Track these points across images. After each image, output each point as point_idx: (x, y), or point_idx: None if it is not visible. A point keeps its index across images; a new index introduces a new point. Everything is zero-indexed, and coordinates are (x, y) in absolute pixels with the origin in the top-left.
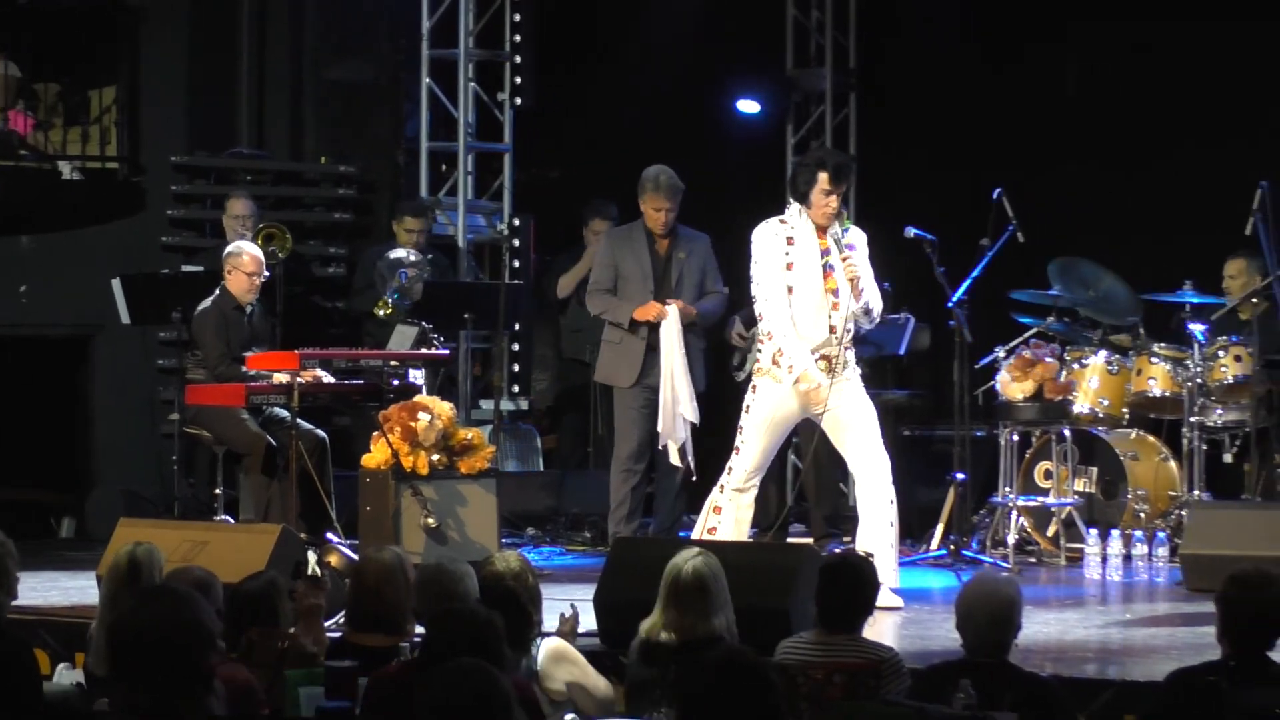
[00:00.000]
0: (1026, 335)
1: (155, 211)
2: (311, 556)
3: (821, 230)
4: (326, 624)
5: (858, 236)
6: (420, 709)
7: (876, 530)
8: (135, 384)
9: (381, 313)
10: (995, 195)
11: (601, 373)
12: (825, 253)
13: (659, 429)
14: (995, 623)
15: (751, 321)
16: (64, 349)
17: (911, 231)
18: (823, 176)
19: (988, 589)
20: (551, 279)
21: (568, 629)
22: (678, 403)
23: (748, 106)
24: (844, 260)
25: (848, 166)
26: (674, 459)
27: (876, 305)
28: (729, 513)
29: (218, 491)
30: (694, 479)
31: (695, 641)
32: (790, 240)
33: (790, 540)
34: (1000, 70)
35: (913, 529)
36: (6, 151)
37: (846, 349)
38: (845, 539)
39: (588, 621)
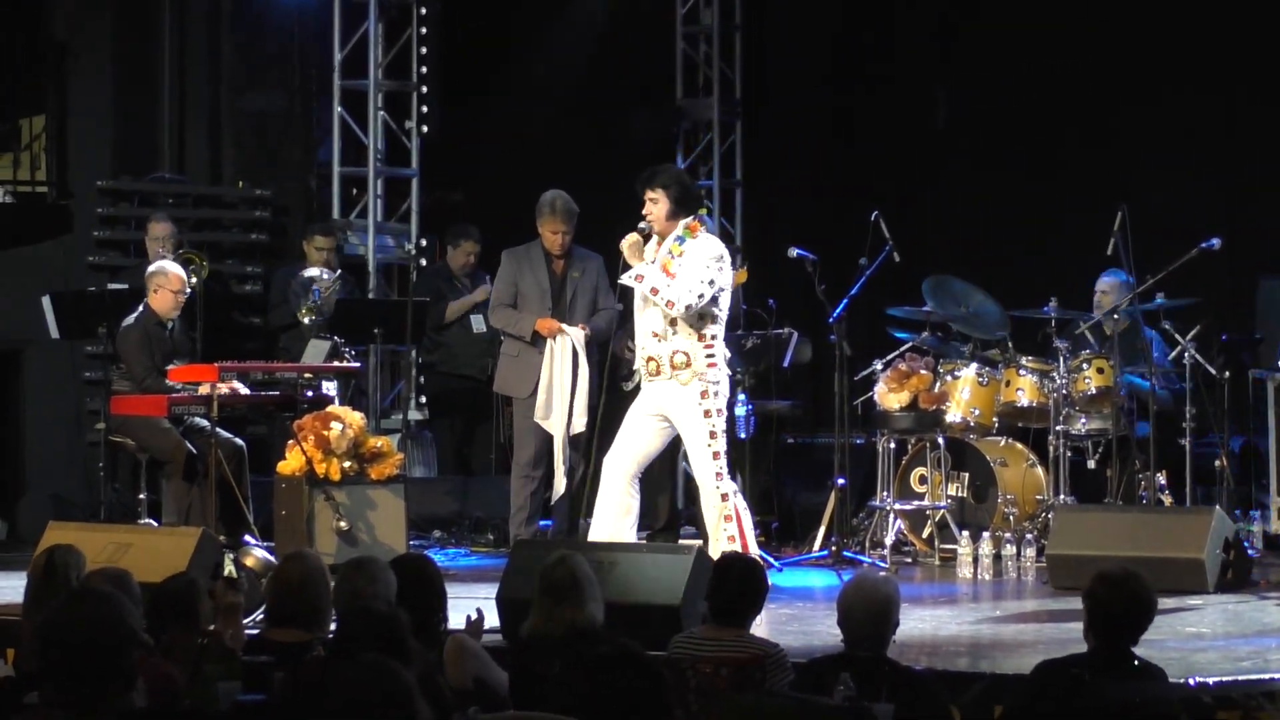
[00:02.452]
0: (902, 349)
1: (82, 233)
2: (228, 558)
3: (661, 240)
4: (244, 621)
5: (692, 246)
6: (328, 704)
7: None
8: (63, 395)
9: (307, 319)
10: (873, 217)
11: (500, 383)
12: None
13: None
14: (874, 619)
15: None
16: None
17: (794, 251)
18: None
19: (867, 587)
20: (436, 303)
21: (475, 629)
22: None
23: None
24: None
25: (648, 177)
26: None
27: (670, 296)
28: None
29: (141, 497)
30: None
31: (574, 633)
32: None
33: (681, 542)
34: (874, 101)
35: (796, 531)
36: None
37: (675, 352)
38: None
39: (491, 620)
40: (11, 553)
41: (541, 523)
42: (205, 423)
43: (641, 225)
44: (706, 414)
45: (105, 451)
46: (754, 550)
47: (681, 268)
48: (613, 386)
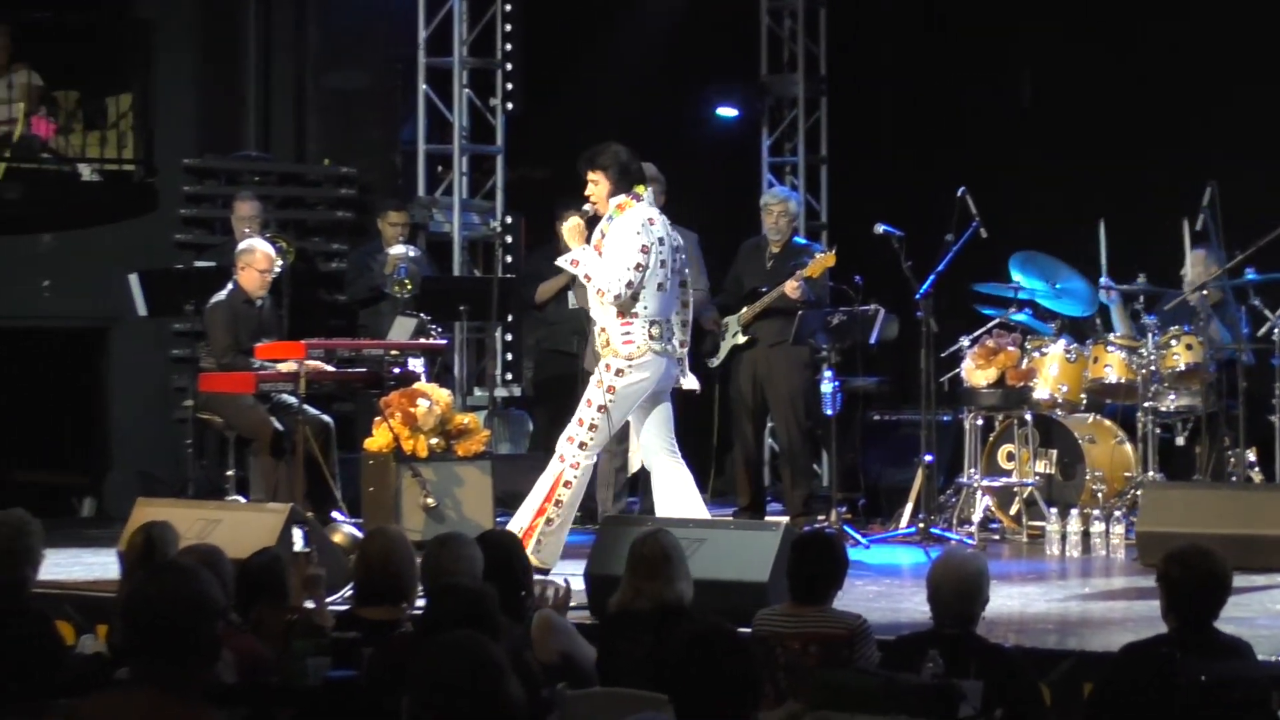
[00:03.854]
0: (989, 325)
1: (168, 211)
2: (297, 533)
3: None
4: (331, 598)
5: (616, 225)
6: (415, 680)
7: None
8: (150, 372)
9: (400, 294)
10: (959, 193)
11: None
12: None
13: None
14: (963, 595)
15: (726, 310)
16: (83, 340)
17: (880, 228)
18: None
19: (957, 563)
20: (530, 284)
21: (560, 602)
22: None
23: (726, 111)
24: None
25: (584, 157)
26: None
27: (599, 284)
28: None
29: (229, 473)
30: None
31: (663, 610)
32: None
33: (768, 518)
34: (960, 76)
35: (882, 508)
36: (30, 155)
37: (601, 329)
38: (820, 518)
39: (579, 595)
40: (99, 529)
41: (628, 499)
42: (292, 400)
43: (585, 208)
44: (599, 383)
45: (193, 428)
46: (547, 511)
47: (607, 249)
48: (700, 364)
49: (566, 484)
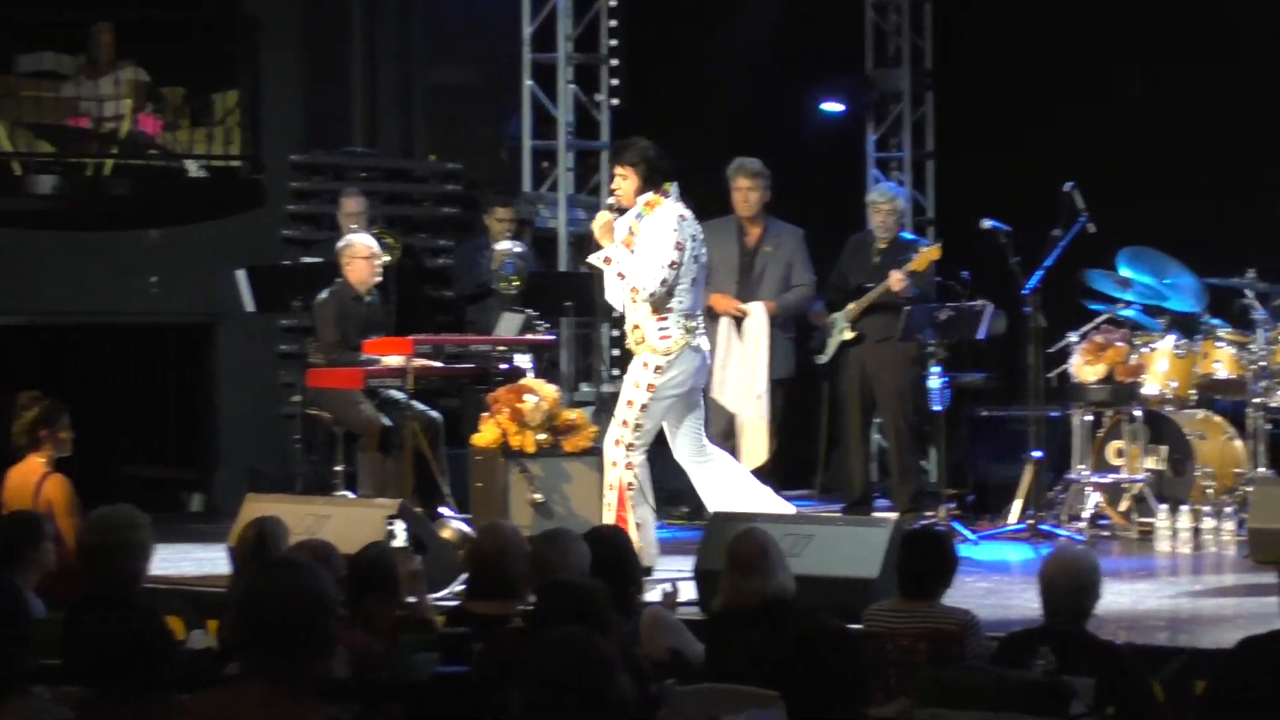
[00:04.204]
0: (1098, 321)
1: (275, 206)
2: (399, 527)
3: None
4: (439, 594)
5: (648, 222)
6: (525, 675)
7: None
8: (257, 368)
9: (509, 290)
10: (1067, 188)
11: None
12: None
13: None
14: (1076, 591)
15: (833, 306)
16: (191, 336)
17: (987, 223)
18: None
19: (1069, 559)
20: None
21: (669, 600)
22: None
23: (832, 106)
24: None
25: (617, 151)
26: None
27: (634, 283)
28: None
29: (337, 469)
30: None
31: (767, 605)
32: None
33: (876, 514)
34: (1068, 69)
35: (990, 504)
36: (137, 151)
37: (634, 326)
38: (929, 514)
39: (686, 592)
40: (208, 524)
41: None
42: (400, 395)
43: (610, 202)
44: (637, 384)
45: (301, 424)
46: (628, 521)
47: (640, 247)
48: (807, 360)
49: (630, 485)
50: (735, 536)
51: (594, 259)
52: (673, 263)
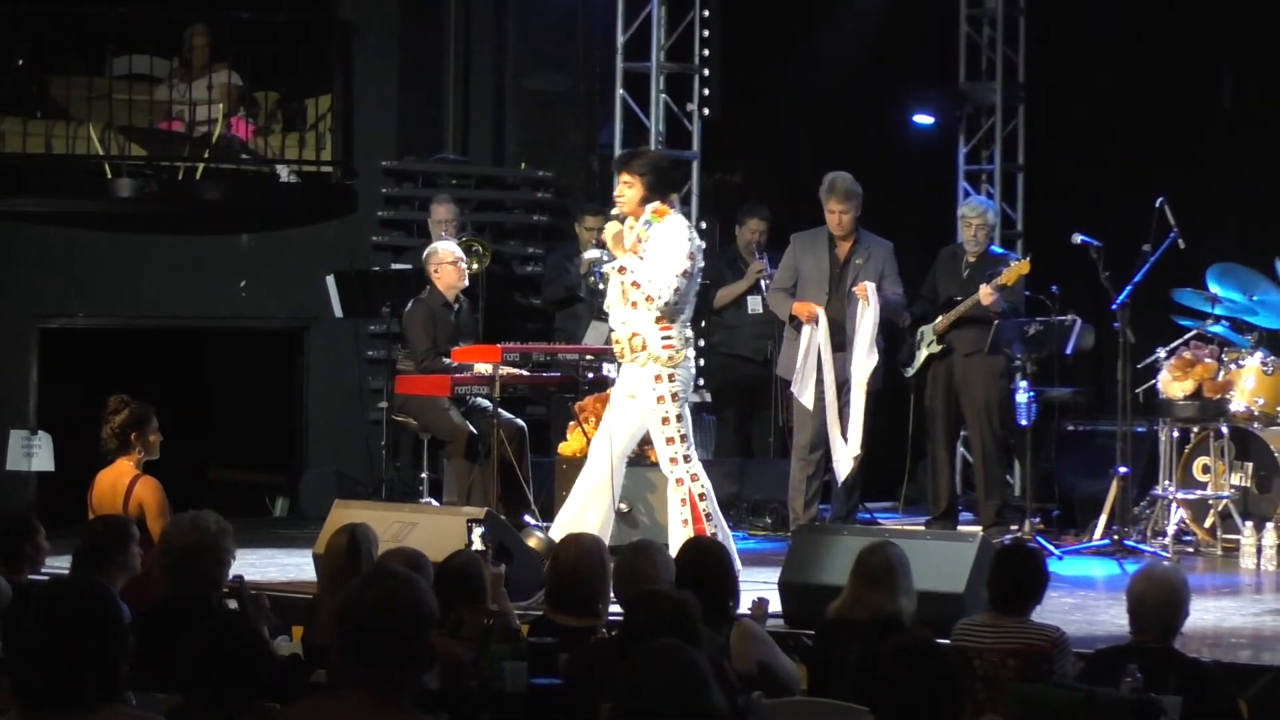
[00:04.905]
0: (1186, 337)
1: (366, 212)
2: (476, 533)
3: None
4: (525, 603)
5: (658, 230)
6: (621, 688)
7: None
8: (345, 373)
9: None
10: (1158, 203)
11: (781, 367)
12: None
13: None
14: (1166, 609)
15: (922, 318)
16: (280, 340)
17: (1078, 238)
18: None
19: (1158, 577)
20: (709, 289)
21: (759, 613)
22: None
23: (923, 118)
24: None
25: (620, 161)
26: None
27: (650, 290)
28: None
29: (423, 475)
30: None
31: (882, 621)
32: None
33: (961, 528)
34: (1158, 83)
35: (1076, 519)
36: (229, 155)
37: (633, 335)
38: (1013, 528)
39: (772, 604)
40: (293, 529)
41: (820, 506)
42: (487, 403)
43: (615, 212)
44: (660, 399)
45: (387, 430)
46: (706, 530)
47: (649, 255)
48: (893, 372)
49: (702, 497)
50: (869, 548)
51: (608, 268)
52: (685, 271)
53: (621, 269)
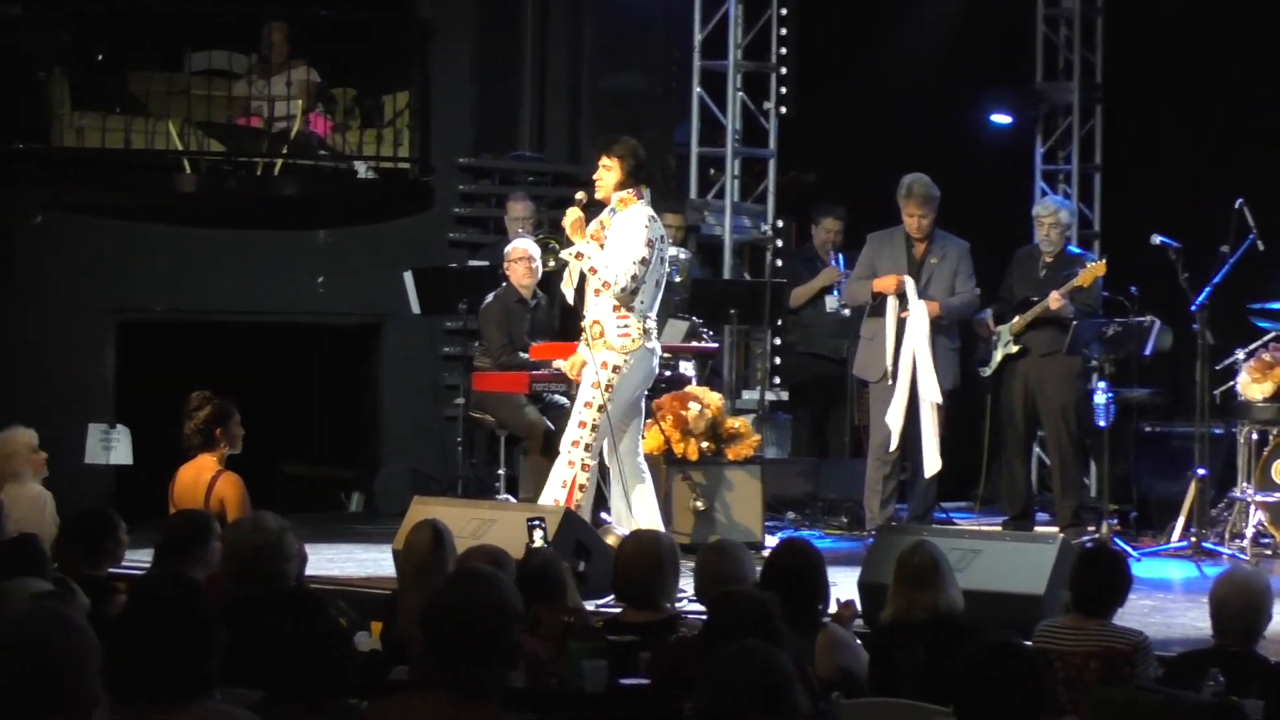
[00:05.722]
0: (1265, 339)
1: (443, 209)
2: (537, 534)
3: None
4: (601, 600)
5: (621, 219)
6: (705, 688)
7: (550, 480)
8: (421, 370)
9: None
10: (1237, 205)
11: (856, 366)
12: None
13: (889, 418)
14: (1249, 612)
15: (999, 319)
16: (356, 336)
17: (1157, 239)
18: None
19: (1241, 580)
20: (785, 287)
21: (847, 615)
22: (917, 393)
23: (1000, 118)
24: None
25: (598, 144)
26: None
27: (606, 276)
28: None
29: (499, 472)
30: (937, 469)
31: (937, 620)
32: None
33: (1038, 529)
34: (1237, 84)
35: (1153, 521)
36: (307, 152)
37: (593, 322)
38: (1090, 529)
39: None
40: (369, 525)
41: (896, 506)
42: (565, 400)
43: (579, 196)
44: (596, 384)
45: (463, 426)
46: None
47: (611, 241)
48: (969, 373)
49: (581, 487)
50: (907, 549)
51: (565, 254)
52: (643, 259)
53: (579, 255)
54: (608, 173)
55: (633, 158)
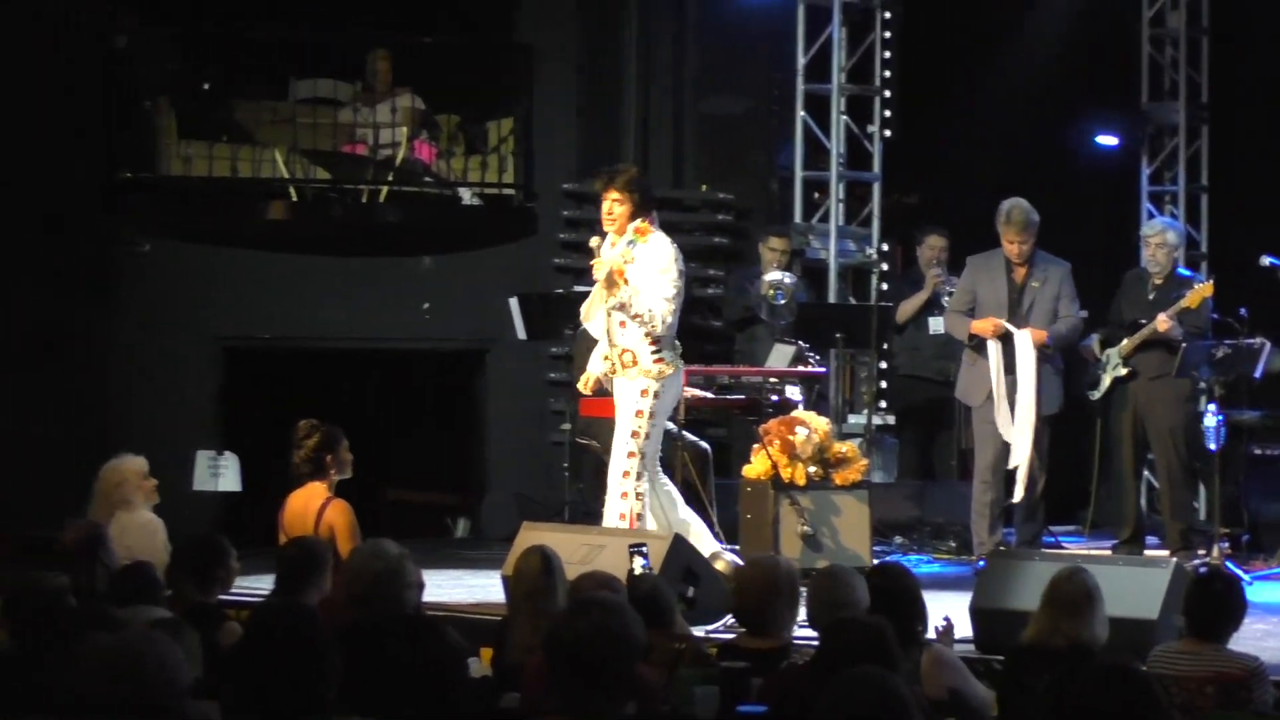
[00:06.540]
0: None
1: (547, 234)
2: (639, 560)
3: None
4: (712, 626)
5: (643, 251)
6: (823, 714)
7: (607, 514)
8: (527, 395)
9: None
10: None
11: (959, 390)
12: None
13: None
14: None
15: (1108, 341)
16: (461, 361)
17: (1266, 260)
18: (595, 184)
19: None
20: (891, 311)
21: (945, 636)
22: (1014, 421)
23: (1106, 139)
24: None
25: (610, 175)
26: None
27: (643, 309)
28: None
29: (605, 498)
30: (1035, 493)
31: (1075, 650)
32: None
33: (1148, 553)
34: None
35: (1264, 544)
36: (412, 178)
37: (623, 351)
38: (1200, 552)
39: (961, 629)
40: (476, 551)
41: (1004, 530)
42: (671, 426)
43: (594, 243)
44: (639, 412)
45: (569, 452)
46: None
47: (640, 278)
48: (1076, 395)
49: (639, 516)
50: (1063, 575)
51: (609, 305)
52: (678, 291)
53: (623, 305)
54: (619, 206)
55: (639, 187)
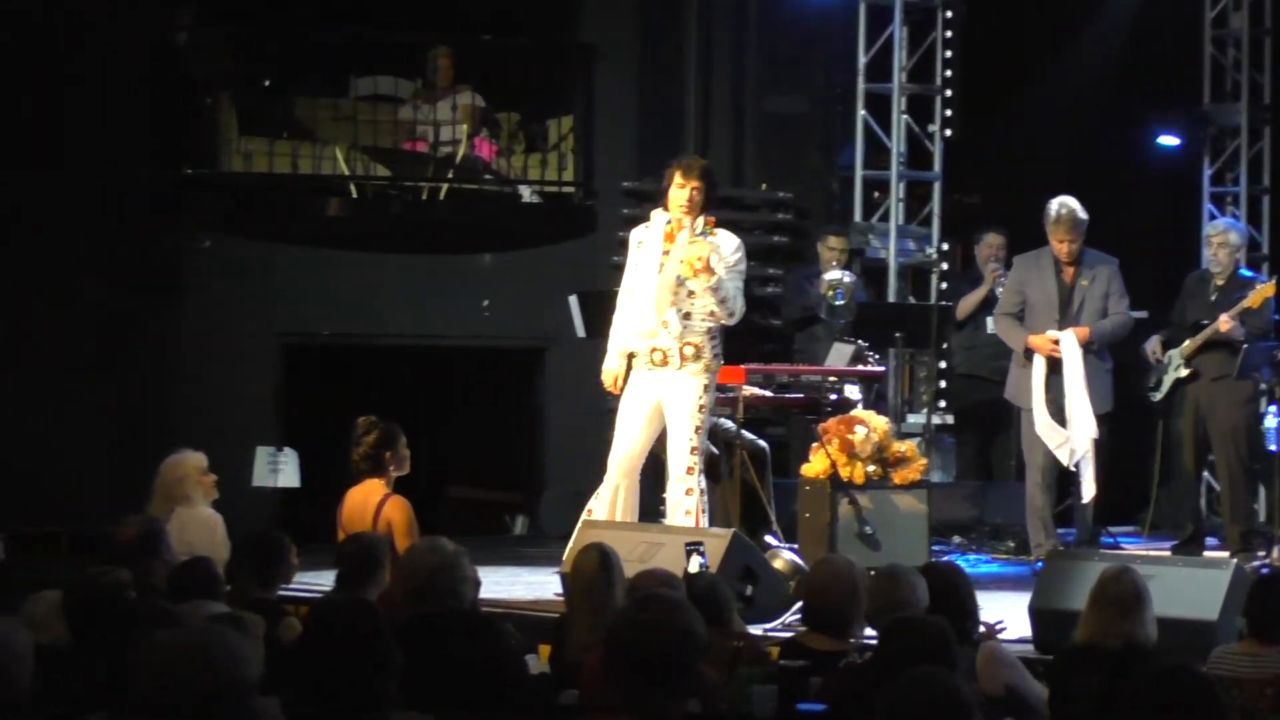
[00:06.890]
0: None
1: (606, 232)
2: (695, 559)
3: (679, 227)
4: (770, 624)
5: (724, 240)
6: (884, 714)
7: (670, 511)
8: (586, 393)
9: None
10: None
11: (1009, 390)
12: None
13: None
14: None
15: (1171, 342)
16: (520, 359)
17: None
18: (675, 173)
19: None
20: (951, 310)
21: (990, 635)
22: (1070, 422)
23: (1168, 140)
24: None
25: (696, 165)
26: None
27: (730, 296)
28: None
29: (664, 496)
30: (1093, 494)
31: (1129, 650)
32: (640, 244)
33: (1209, 554)
34: None
35: None
36: (472, 176)
37: (685, 344)
38: (1260, 554)
39: (1019, 629)
40: (535, 548)
41: (1061, 531)
42: (729, 424)
43: (698, 225)
44: (702, 408)
45: None
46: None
47: (723, 268)
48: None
49: (704, 511)
50: (1112, 575)
51: (693, 284)
52: (745, 282)
53: (710, 290)
54: (699, 194)
55: (715, 180)
